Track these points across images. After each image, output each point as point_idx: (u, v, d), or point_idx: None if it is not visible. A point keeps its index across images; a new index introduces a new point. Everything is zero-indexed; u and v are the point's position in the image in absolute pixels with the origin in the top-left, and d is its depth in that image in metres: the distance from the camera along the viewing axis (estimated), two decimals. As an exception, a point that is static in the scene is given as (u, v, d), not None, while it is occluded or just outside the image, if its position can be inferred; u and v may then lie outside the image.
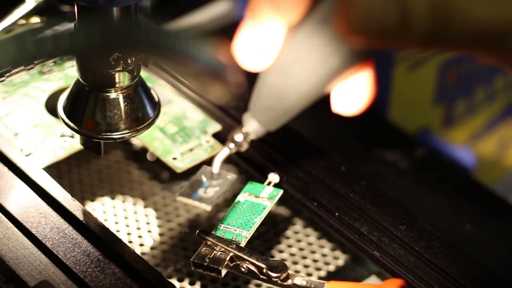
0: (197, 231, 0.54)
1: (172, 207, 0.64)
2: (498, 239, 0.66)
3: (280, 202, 0.61)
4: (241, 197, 0.57)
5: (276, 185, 0.59)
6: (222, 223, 0.55)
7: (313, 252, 0.62)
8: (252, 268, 0.53)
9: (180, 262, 0.61)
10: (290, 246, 0.63)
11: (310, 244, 0.63)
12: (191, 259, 0.53)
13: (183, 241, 0.62)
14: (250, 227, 0.55)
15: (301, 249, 0.62)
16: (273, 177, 0.59)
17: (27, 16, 0.59)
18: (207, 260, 0.53)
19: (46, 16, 0.60)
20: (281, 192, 0.58)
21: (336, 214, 0.57)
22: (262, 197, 0.57)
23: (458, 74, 0.80)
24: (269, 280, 0.52)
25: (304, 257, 0.62)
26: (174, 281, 0.59)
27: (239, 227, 0.55)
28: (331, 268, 0.61)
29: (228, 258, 0.53)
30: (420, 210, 0.64)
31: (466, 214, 0.68)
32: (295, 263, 0.61)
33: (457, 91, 0.81)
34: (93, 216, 0.56)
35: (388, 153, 0.74)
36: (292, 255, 0.62)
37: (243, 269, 0.53)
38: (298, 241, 0.63)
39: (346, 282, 0.52)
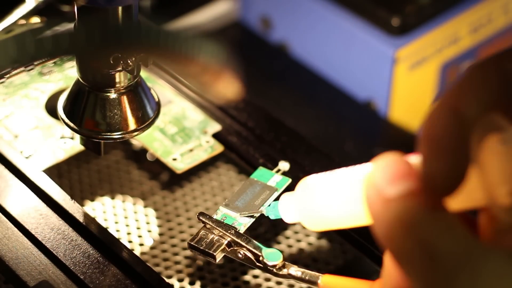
0: (197, 214, 0.54)
1: (172, 207, 0.64)
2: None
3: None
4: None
5: (285, 174, 0.58)
6: (225, 208, 0.55)
7: (313, 252, 0.62)
8: (249, 255, 0.53)
9: (180, 262, 0.61)
10: (290, 246, 0.62)
11: (310, 244, 0.63)
12: (188, 241, 0.53)
13: (183, 241, 0.62)
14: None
15: (301, 249, 0.62)
16: (283, 165, 0.59)
17: (27, 16, 0.59)
18: (204, 244, 0.53)
19: (46, 16, 0.60)
20: (289, 181, 0.57)
21: (336, 214, 0.57)
22: (270, 185, 0.57)
23: (458, 73, 0.80)
24: (265, 268, 0.52)
25: (304, 257, 0.62)
26: (174, 281, 0.59)
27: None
28: (331, 268, 0.61)
29: (225, 243, 0.53)
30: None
31: (466, 214, 0.67)
32: (295, 263, 0.61)
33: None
34: (92, 217, 0.56)
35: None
36: (291, 255, 0.62)
37: (240, 255, 0.53)
38: (298, 241, 0.63)
39: (340, 276, 0.52)
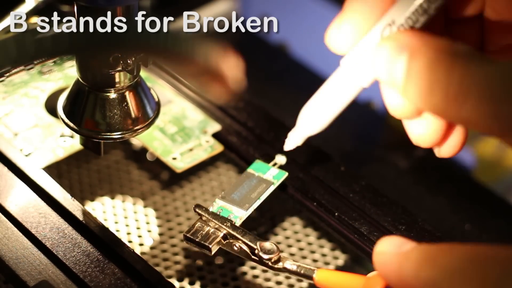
0: (194, 206, 0.54)
1: (172, 207, 0.64)
2: (498, 239, 0.66)
3: (280, 202, 0.61)
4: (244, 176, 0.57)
5: (282, 167, 0.58)
6: (221, 200, 0.56)
7: (313, 252, 0.62)
8: (244, 247, 0.53)
9: (180, 262, 0.61)
10: (290, 246, 0.63)
11: (310, 244, 0.63)
12: (184, 233, 0.53)
13: (183, 241, 0.62)
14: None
15: (300, 249, 0.62)
16: (280, 159, 0.59)
17: (27, 16, 0.59)
18: (199, 236, 0.53)
19: (46, 16, 0.60)
20: (285, 174, 0.58)
21: (336, 214, 0.57)
22: (266, 178, 0.57)
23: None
24: (260, 261, 0.52)
25: (303, 257, 0.62)
26: (174, 281, 0.59)
27: (238, 205, 0.55)
28: (331, 268, 0.61)
29: (221, 235, 0.53)
30: (420, 210, 0.64)
31: (466, 214, 0.68)
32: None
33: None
34: (92, 216, 0.56)
35: (388, 153, 0.74)
36: (291, 254, 0.62)
37: (235, 248, 0.53)
38: (298, 241, 0.63)
39: (335, 271, 0.52)
